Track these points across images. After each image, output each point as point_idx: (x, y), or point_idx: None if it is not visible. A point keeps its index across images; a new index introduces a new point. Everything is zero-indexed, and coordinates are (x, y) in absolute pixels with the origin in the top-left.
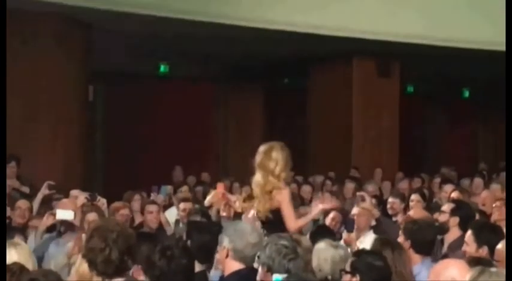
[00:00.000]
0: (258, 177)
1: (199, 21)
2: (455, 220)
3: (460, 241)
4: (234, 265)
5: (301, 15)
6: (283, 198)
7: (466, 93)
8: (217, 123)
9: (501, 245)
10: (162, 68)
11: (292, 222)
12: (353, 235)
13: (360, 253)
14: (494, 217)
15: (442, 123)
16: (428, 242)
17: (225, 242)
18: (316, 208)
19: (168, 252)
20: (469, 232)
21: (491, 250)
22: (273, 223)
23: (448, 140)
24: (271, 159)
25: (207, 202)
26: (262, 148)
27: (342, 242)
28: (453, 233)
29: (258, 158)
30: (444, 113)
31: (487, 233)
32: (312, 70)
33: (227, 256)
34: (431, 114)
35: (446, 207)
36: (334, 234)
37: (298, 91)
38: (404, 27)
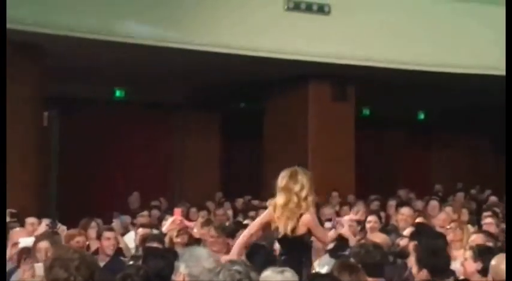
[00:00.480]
0: (281, 199)
1: (155, 46)
2: (414, 244)
3: None
4: None
5: (257, 39)
6: (311, 220)
7: (422, 116)
8: (175, 149)
9: (494, 262)
10: (118, 93)
11: (327, 237)
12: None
13: (314, 277)
14: (449, 238)
15: (398, 145)
16: (377, 264)
17: (181, 268)
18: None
19: (128, 280)
20: (412, 255)
21: (432, 272)
22: (294, 242)
23: (404, 163)
24: (297, 182)
25: (165, 228)
26: (285, 173)
27: None
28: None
29: (283, 181)
30: (400, 136)
31: (426, 256)
32: (268, 94)
33: None
34: (387, 136)
35: (407, 231)
36: (269, 251)
37: (255, 115)
38: (359, 50)
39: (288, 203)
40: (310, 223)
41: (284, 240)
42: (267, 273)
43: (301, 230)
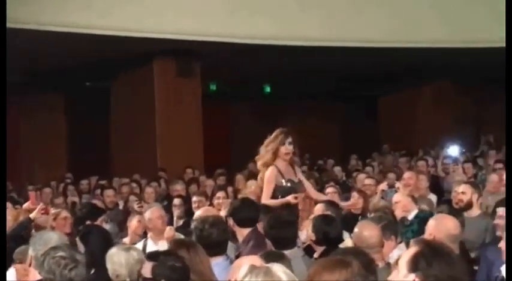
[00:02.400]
0: None
1: None
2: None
3: (249, 236)
4: (37, 274)
5: (101, 18)
6: (265, 176)
7: (268, 89)
8: (21, 130)
9: (357, 228)
10: None
11: (264, 199)
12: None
13: (156, 256)
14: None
15: (246, 119)
16: (215, 242)
17: (30, 250)
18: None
19: None
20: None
21: (275, 243)
22: None
23: (254, 136)
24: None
25: (32, 216)
26: None
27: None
28: (240, 232)
29: None
30: (248, 109)
31: (269, 228)
32: (114, 72)
33: (31, 264)
34: (235, 110)
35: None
36: (104, 229)
37: (101, 94)
38: (203, 26)
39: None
40: (265, 176)
41: None
42: (112, 250)
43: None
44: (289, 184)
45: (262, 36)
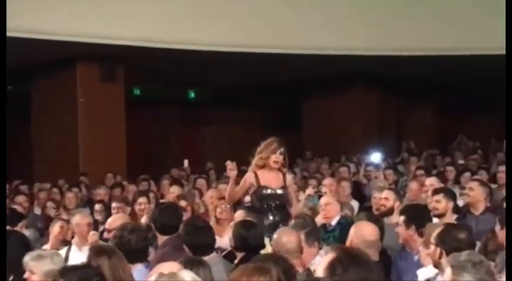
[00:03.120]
0: None
1: None
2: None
3: (166, 243)
4: None
5: (23, 20)
6: None
7: (192, 94)
8: None
9: (276, 235)
10: None
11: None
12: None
13: (69, 271)
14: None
15: (171, 124)
16: (134, 249)
17: None
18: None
19: None
20: None
21: (192, 249)
22: None
23: (178, 141)
24: None
25: None
26: None
27: None
28: (161, 239)
29: None
30: (172, 114)
31: (185, 234)
32: (35, 77)
33: None
34: (159, 115)
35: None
36: (24, 237)
37: (22, 98)
38: (127, 30)
39: None
40: None
41: None
42: (26, 258)
43: None
44: (268, 191)
45: (186, 42)
